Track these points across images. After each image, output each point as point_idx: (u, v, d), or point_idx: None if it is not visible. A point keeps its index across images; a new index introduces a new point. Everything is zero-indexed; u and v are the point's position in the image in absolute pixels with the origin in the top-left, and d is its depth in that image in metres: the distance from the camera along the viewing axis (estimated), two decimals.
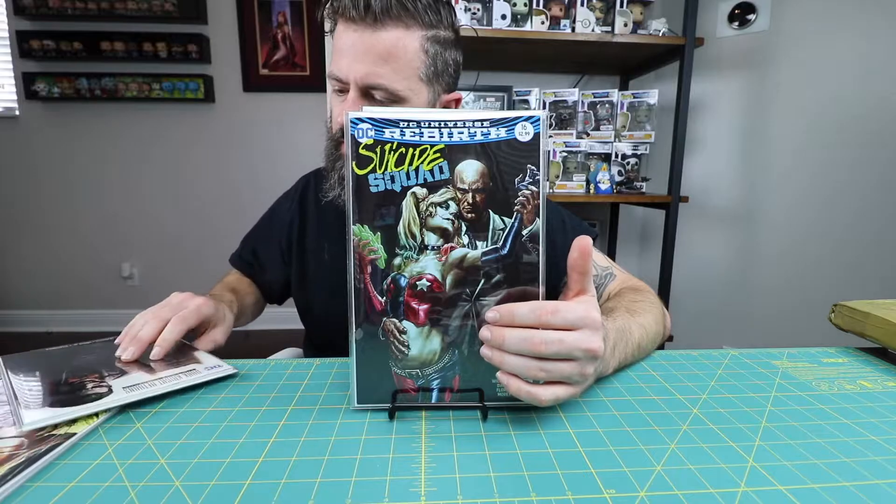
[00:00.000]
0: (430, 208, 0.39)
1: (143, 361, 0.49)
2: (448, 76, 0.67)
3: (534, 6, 1.51)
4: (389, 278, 0.39)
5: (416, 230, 0.39)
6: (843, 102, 1.58)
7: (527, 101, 1.70)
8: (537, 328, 0.37)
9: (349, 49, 0.59)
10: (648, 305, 0.58)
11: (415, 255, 0.39)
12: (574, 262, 0.39)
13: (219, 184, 2.58)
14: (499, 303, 0.40)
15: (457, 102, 0.71)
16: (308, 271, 0.77)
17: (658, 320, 0.57)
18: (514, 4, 1.51)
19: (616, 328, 0.48)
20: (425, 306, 0.40)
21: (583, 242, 0.38)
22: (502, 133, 0.38)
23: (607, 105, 1.70)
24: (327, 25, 0.65)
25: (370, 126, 0.38)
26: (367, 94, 0.61)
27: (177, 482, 0.32)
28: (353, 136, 0.38)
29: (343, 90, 0.63)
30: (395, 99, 0.61)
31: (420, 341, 0.40)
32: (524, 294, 0.40)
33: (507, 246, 0.39)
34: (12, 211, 2.51)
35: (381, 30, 0.58)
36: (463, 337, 0.40)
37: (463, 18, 1.51)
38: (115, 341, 0.52)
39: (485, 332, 0.38)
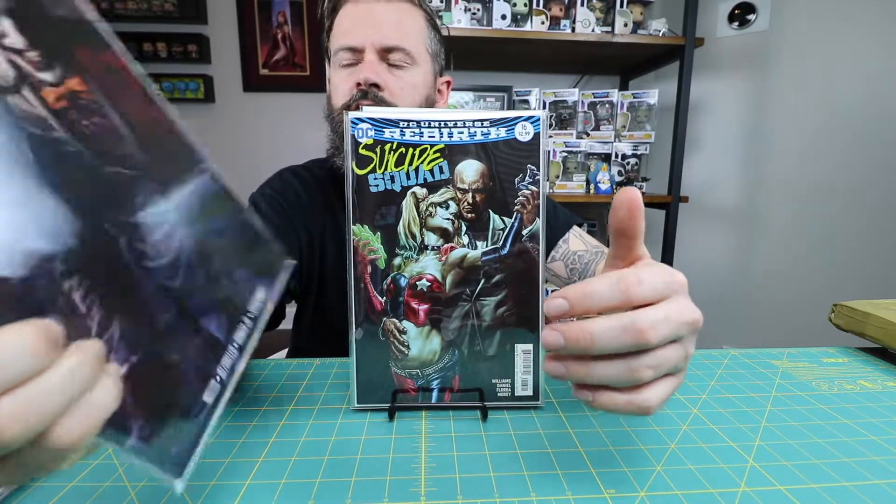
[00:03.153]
0: (430, 208, 0.39)
1: None
2: (441, 59, 0.74)
3: (534, 6, 1.51)
4: (389, 278, 0.39)
5: (416, 230, 0.39)
6: (842, 102, 1.58)
7: (527, 101, 1.70)
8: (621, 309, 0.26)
9: (364, 18, 0.64)
10: None
11: (415, 255, 0.39)
12: (621, 225, 0.29)
13: None
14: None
15: (448, 84, 0.77)
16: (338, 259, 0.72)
17: None
18: (514, 4, 1.51)
19: None
20: (425, 306, 0.40)
21: (631, 195, 0.28)
22: (502, 133, 0.38)
23: (607, 105, 1.70)
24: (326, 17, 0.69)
25: (370, 126, 0.38)
26: (384, 57, 0.65)
27: None
28: (353, 136, 0.38)
29: (354, 62, 0.66)
30: (410, 62, 0.66)
31: (420, 341, 0.40)
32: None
33: (507, 246, 0.39)
34: None
35: (391, 2, 0.65)
36: (463, 337, 0.40)
37: (463, 18, 1.51)
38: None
39: (552, 337, 0.26)
